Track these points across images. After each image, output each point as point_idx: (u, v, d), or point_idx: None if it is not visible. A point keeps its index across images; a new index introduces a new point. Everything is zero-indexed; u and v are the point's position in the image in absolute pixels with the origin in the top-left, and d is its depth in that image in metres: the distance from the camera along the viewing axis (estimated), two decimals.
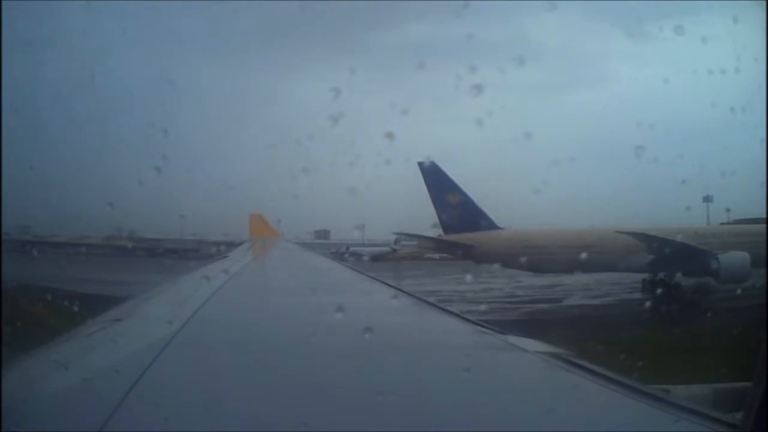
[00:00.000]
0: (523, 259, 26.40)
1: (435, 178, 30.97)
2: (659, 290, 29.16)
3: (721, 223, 34.96)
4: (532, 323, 23.79)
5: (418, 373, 2.87)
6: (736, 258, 28.21)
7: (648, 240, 27.92)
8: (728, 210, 33.36)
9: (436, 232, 32.59)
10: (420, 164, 29.84)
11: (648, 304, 30.45)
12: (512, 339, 3.75)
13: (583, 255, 26.61)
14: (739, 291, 28.71)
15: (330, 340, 3.39)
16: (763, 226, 31.19)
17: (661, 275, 29.95)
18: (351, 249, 41.98)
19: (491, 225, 31.31)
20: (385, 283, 7.37)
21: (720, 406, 2.68)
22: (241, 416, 2.10)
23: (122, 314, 4.25)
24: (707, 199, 33.21)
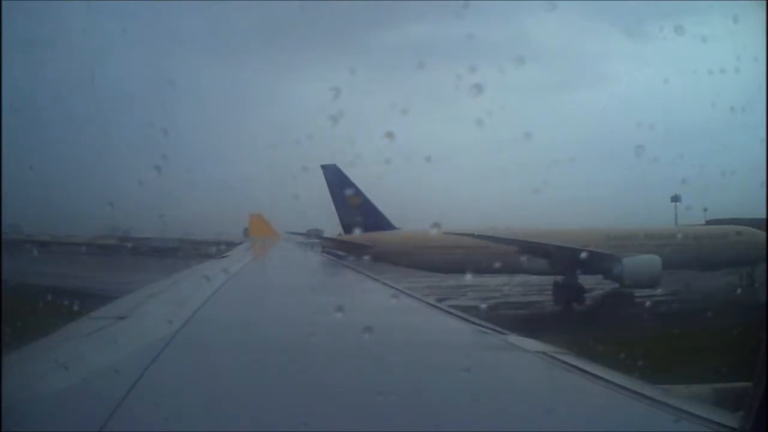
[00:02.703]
0: (413, 259, 26.48)
1: (336, 181, 31.87)
2: (557, 294, 28.60)
3: (707, 222, 34.24)
4: None
5: (418, 373, 2.86)
6: (643, 262, 26.82)
7: (492, 241, 27.13)
8: (705, 210, 32.61)
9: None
10: (323, 167, 31.58)
11: (528, 307, 29.02)
12: (512, 339, 3.75)
13: (475, 256, 26.12)
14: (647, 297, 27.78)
15: (326, 333, 3.38)
16: (717, 227, 31.10)
17: (563, 278, 28.71)
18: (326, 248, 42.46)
19: (388, 225, 31.89)
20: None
21: (720, 406, 2.68)
22: (241, 416, 2.10)
23: (122, 313, 4.25)
24: (675, 198, 33.06)
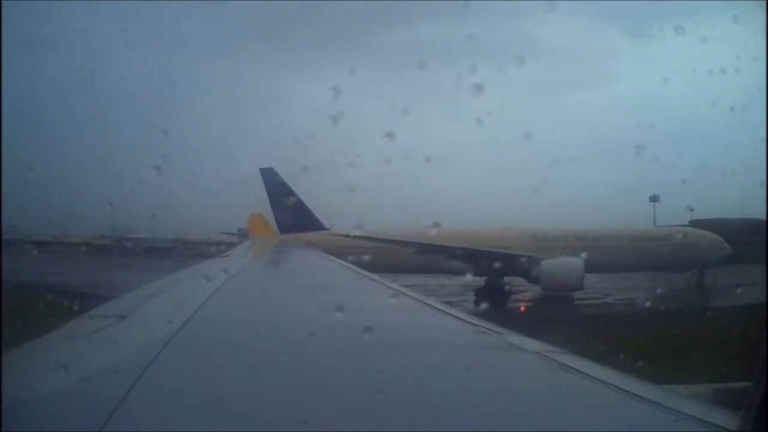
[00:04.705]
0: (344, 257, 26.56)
1: (273, 183, 33.23)
2: (475, 295, 27.63)
3: (690, 223, 33.61)
4: None
5: (418, 373, 2.86)
6: (563, 264, 26.13)
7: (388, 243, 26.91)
8: (692, 210, 32.43)
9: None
10: (261, 170, 33.49)
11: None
12: (512, 339, 3.75)
13: (389, 256, 26.21)
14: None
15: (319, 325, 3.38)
16: (679, 229, 30.67)
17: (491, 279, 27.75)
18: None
19: (320, 226, 32.62)
20: None
21: (720, 406, 2.68)
22: (241, 416, 2.10)
23: (121, 313, 4.25)
24: (654, 198, 32.87)
